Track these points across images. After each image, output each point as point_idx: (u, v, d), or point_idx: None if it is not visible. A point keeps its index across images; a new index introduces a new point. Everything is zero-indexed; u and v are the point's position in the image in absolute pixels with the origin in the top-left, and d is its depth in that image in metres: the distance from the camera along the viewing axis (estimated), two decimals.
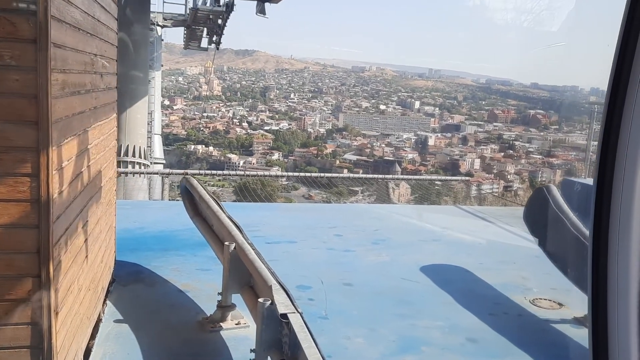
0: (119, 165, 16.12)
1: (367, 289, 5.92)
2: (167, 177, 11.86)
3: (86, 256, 3.86)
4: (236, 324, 4.78)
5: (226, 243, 4.67)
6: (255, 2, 21.42)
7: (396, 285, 6.06)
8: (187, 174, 12.32)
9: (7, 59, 2.58)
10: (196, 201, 5.82)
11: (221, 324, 4.76)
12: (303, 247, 7.22)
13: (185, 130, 74.10)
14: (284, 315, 3.52)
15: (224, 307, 4.78)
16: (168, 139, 69.63)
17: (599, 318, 1.29)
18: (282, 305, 3.65)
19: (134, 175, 13.63)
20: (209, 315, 4.87)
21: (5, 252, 2.70)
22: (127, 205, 8.89)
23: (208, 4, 22.77)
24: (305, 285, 5.83)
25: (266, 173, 12.42)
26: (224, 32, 25.20)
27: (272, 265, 6.22)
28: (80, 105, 3.52)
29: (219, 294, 4.77)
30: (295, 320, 3.46)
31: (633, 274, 1.22)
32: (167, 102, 75.64)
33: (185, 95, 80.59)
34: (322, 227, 8.26)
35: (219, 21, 24.11)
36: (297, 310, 3.59)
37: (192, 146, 71.42)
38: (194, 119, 76.10)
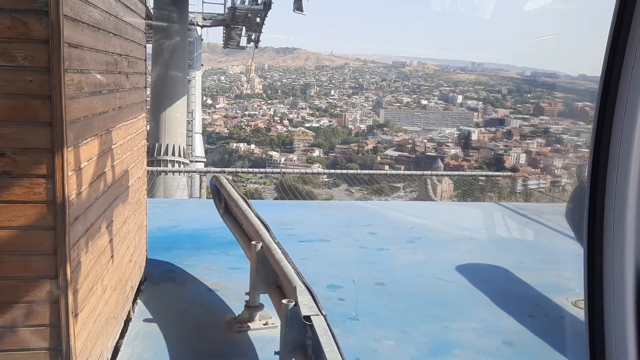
0: (158, 164, 16.40)
1: (400, 289, 5.77)
2: (205, 175, 11.95)
3: (111, 256, 3.86)
4: (264, 324, 4.72)
5: (253, 242, 4.62)
6: None
7: (430, 285, 5.89)
8: (223, 171, 12.41)
9: (21, 60, 2.57)
10: (226, 200, 5.79)
11: (249, 324, 4.71)
12: (335, 246, 7.12)
13: (228, 129, 75.06)
14: (307, 318, 3.42)
15: (252, 307, 4.73)
16: (211, 138, 70.84)
17: (595, 315, 1.28)
18: (306, 307, 3.55)
19: (173, 174, 13.82)
20: (237, 315, 4.83)
21: (22, 253, 2.70)
22: (163, 204, 8.99)
23: (246, 3, 22.93)
24: (336, 284, 5.73)
25: (302, 170, 12.39)
26: (263, 30, 25.38)
27: (303, 264, 6.14)
28: (102, 105, 3.51)
29: (246, 293, 4.72)
30: (318, 323, 3.35)
31: (628, 272, 1.21)
32: (209, 101, 76.90)
33: (227, 94, 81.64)
34: (356, 225, 8.14)
35: (257, 19, 24.27)
36: (321, 312, 3.48)
37: (234, 144, 72.28)
38: (236, 117, 76.99)
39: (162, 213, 8.21)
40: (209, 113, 74.33)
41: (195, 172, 13.09)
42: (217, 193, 6.01)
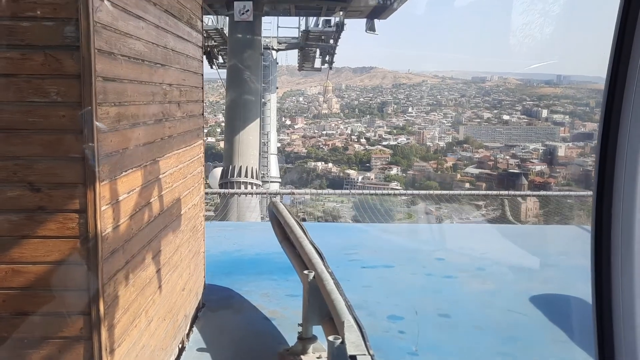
0: (232, 186, 16.72)
1: (467, 321, 5.39)
2: (275, 197, 11.98)
3: (159, 287, 3.84)
4: (317, 358, 4.53)
5: (305, 272, 4.46)
6: (365, 20, 21.50)
7: (500, 318, 5.47)
8: (293, 193, 12.46)
9: (54, 95, 2.58)
10: (283, 226, 5.69)
11: (302, 357, 4.53)
12: (400, 272, 6.82)
13: (306, 148, 76.07)
14: (354, 357, 3.20)
15: (305, 339, 4.56)
16: (290, 157, 72.18)
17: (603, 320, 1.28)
18: (353, 345, 3.34)
19: (245, 196, 14.03)
20: (290, 346, 4.68)
21: (56, 289, 2.69)
22: (229, 227, 9.06)
23: (320, 26, 23.25)
24: (397, 315, 5.44)
25: (373, 191, 12.16)
26: (336, 51, 25.60)
27: (364, 293, 5.94)
28: (147, 135, 3.51)
29: (299, 325, 4.56)
30: None
31: (637, 275, 1.18)
32: (288, 122, 78.57)
33: (305, 115, 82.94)
34: (423, 249, 7.80)
35: (331, 41, 24.53)
36: (368, 352, 3.26)
37: (312, 163, 73.10)
38: (314, 137, 77.95)
39: (228, 236, 8.26)
40: (287, 133, 75.90)
41: (265, 193, 13.22)
42: (274, 218, 5.92)
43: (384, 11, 19.99)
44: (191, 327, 5.06)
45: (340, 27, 22.33)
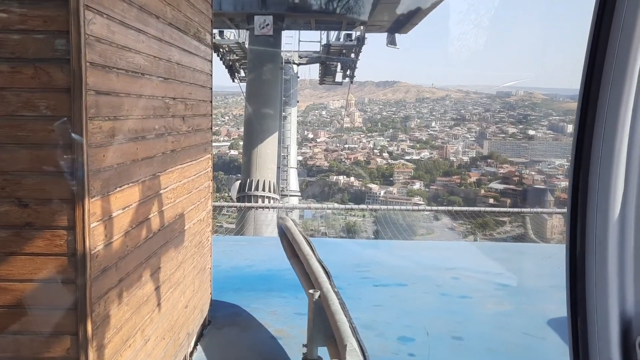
0: (249, 200, 16.70)
1: (480, 344, 5.19)
2: (292, 211, 11.90)
3: (158, 305, 3.75)
4: None
5: (310, 291, 4.34)
6: (386, 34, 21.46)
7: (516, 341, 5.26)
8: (309, 207, 12.35)
9: (43, 109, 2.53)
10: (291, 242, 5.59)
11: None
12: (413, 292, 6.64)
13: (328, 162, 76.11)
14: None
15: None
16: (312, 171, 72.26)
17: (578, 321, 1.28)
18: None
19: (262, 210, 13.95)
20: None
21: (43, 307, 2.62)
22: (242, 242, 8.97)
23: (341, 40, 23.29)
24: (408, 336, 5.27)
25: (389, 207, 11.95)
26: (357, 65, 25.59)
27: (375, 312, 5.78)
28: (147, 150, 3.44)
29: (304, 345, 4.43)
30: None
31: (611, 274, 1.20)
32: (310, 135, 78.82)
33: (327, 128, 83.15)
34: (439, 267, 7.60)
35: (352, 55, 24.54)
36: None
37: (334, 177, 73.05)
38: (336, 150, 78.01)
39: (241, 251, 8.19)
40: (310, 147, 76.12)
41: (281, 208, 13.13)
42: (283, 235, 5.82)
43: (405, 26, 19.93)
44: (196, 345, 4.96)
45: (361, 41, 22.34)
